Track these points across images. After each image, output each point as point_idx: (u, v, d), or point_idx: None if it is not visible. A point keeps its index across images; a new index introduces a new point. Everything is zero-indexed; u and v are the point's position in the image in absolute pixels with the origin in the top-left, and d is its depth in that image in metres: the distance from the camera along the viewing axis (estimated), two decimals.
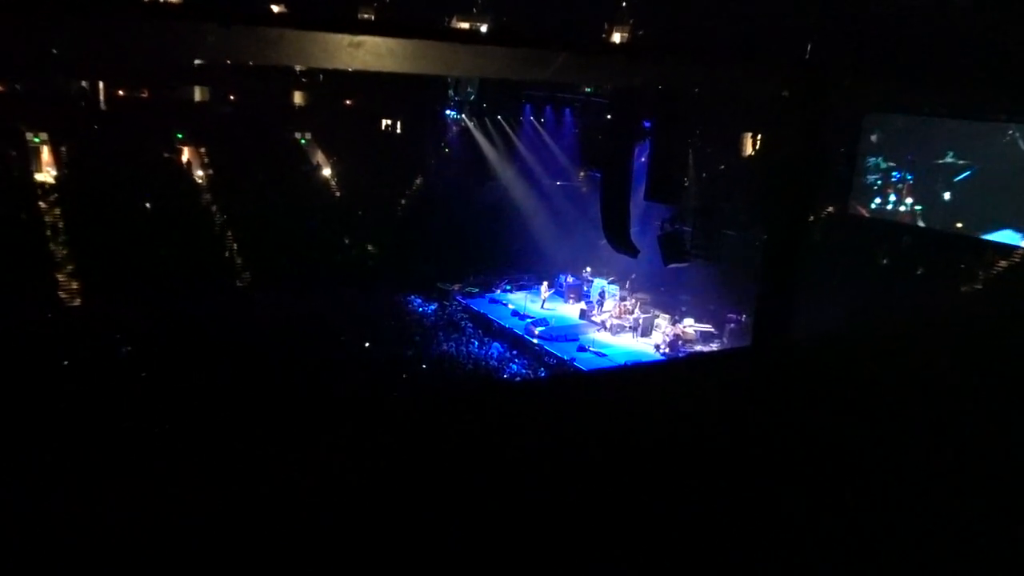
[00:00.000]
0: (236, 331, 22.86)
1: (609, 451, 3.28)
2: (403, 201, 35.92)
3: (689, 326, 26.56)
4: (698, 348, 25.60)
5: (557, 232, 33.28)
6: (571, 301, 31.15)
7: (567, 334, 26.93)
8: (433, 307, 29.63)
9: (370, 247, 33.35)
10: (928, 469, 3.39)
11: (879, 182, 23.41)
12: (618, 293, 30.31)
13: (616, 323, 27.81)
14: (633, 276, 29.78)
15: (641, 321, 27.34)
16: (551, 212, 33.99)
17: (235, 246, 30.26)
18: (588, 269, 33.13)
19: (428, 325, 27.40)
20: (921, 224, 22.80)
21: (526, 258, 33.62)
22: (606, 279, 30.94)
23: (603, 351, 25.48)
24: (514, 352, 25.54)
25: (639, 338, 27.10)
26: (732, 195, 24.84)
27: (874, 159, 22.87)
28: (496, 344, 26.13)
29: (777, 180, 13.42)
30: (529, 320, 27.92)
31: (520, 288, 33.64)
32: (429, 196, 35.15)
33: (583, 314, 29.07)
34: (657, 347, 25.93)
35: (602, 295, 29.78)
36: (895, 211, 23.37)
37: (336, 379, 19.63)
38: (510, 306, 30.68)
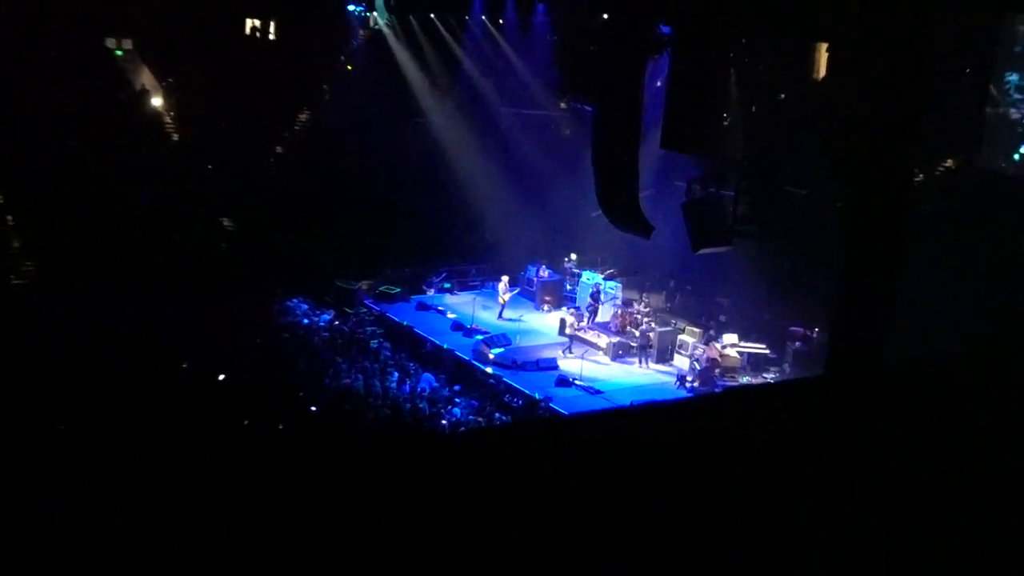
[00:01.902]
0: (4, 352, 22.45)
1: (603, 541, 3.24)
2: (279, 149, 35.63)
3: (731, 346, 26.73)
4: (745, 380, 25.79)
5: (523, 199, 33.29)
6: (546, 307, 31.14)
7: (540, 359, 26.96)
8: (328, 316, 29.43)
9: (227, 223, 33.00)
10: None
11: None
12: (620, 294, 30.36)
13: (617, 341, 27.88)
14: (682, 279, 29.92)
15: (656, 338, 27.48)
16: (514, 167, 34.00)
17: (8, 220, 29.75)
18: (572, 257, 33.10)
19: (319, 344, 27.20)
20: None
21: (475, 240, 33.58)
22: (600, 272, 31.00)
23: (596, 386, 25.59)
24: (456, 387, 25.46)
25: (652, 365, 27.29)
26: (798, 141, 24.99)
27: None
28: (427, 375, 26.02)
29: (868, 117, 13.50)
30: (480, 337, 27.89)
31: (466, 287, 33.52)
32: (321, 142, 34.92)
33: (565, 327, 29.13)
34: (681, 378, 26.06)
35: (596, 297, 29.84)
36: None
37: (170, 427, 19.37)
38: (450, 315, 30.62)
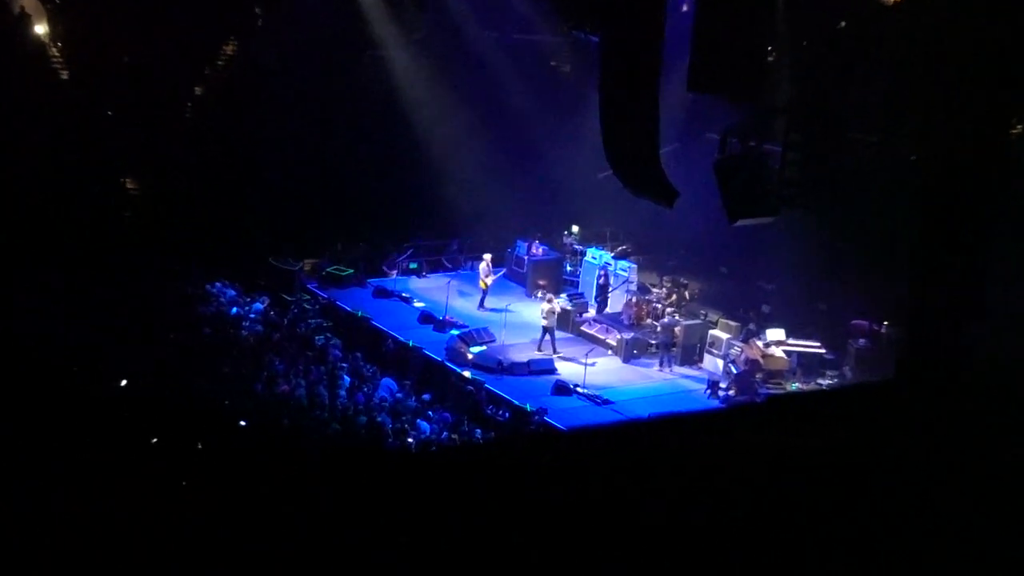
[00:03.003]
0: None
1: None
2: (198, 91, 35.49)
3: (777, 344, 26.78)
4: (795, 386, 25.90)
5: (511, 156, 33.23)
6: (539, 293, 31.11)
7: (532, 362, 27.09)
8: (260, 305, 29.39)
9: (131, 185, 32.84)
10: None
11: None
12: (635, 277, 30.34)
13: (631, 338, 27.92)
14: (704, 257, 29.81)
15: (681, 334, 27.57)
16: (499, 115, 33.91)
17: None
18: (574, 230, 33.07)
19: (250, 341, 27.17)
20: None
21: (449, 208, 33.49)
22: (610, 249, 30.98)
23: (604, 394, 25.66)
24: (425, 396, 25.48)
25: (674, 368, 27.43)
26: (862, 83, 25.00)
27: None
28: (388, 381, 26.04)
29: (951, 52, 13.52)
30: (456, 332, 27.93)
31: (437, 269, 33.64)
32: (252, 82, 34.81)
33: (564, 317, 29.14)
34: (713, 385, 26.15)
35: (605, 280, 29.85)
36: None
37: (58, 447, 19.34)
38: (417, 303, 30.65)
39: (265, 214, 31.59)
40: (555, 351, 27.74)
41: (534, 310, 30.24)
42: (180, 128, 34.02)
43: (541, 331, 28.14)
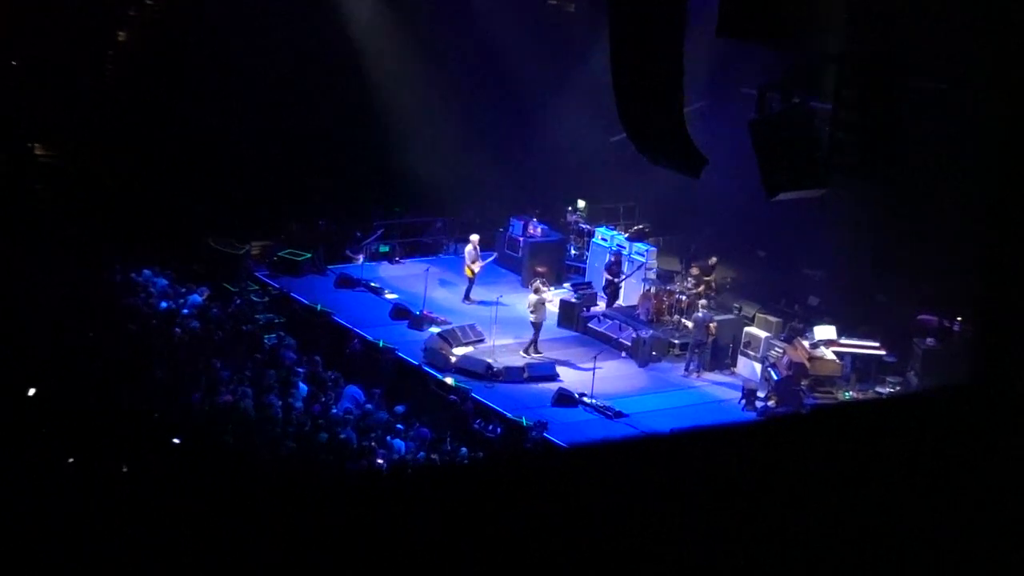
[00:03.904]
0: None
1: None
2: (122, 36, 35.48)
3: (826, 344, 26.82)
4: (849, 395, 25.96)
5: (503, 118, 33.25)
6: (538, 282, 31.18)
7: (530, 365, 27.20)
8: (198, 297, 29.39)
9: (40, 151, 32.79)
10: None
11: None
12: (654, 263, 30.37)
13: (649, 336, 27.97)
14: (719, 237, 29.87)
15: (712, 332, 27.60)
16: (489, 69, 33.92)
17: None
18: (580, 205, 33.10)
19: (186, 340, 27.18)
20: None
21: (427, 181, 33.49)
22: (623, 229, 31.01)
23: (616, 405, 25.77)
24: (399, 408, 25.50)
25: (701, 374, 27.54)
26: (931, 24, 25.04)
27: None
28: (354, 389, 26.06)
29: None
30: (436, 330, 27.99)
31: (414, 253, 33.62)
32: (187, 27, 34.83)
33: (568, 312, 29.19)
34: (749, 393, 26.19)
35: (617, 265, 29.91)
36: None
37: None
38: (388, 294, 30.73)
39: (204, 187, 31.53)
40: (530, 350, 27.75)
41: (525, 301, 30.27)
42: (100, 83, 34.00)
43: (533, 328, 28.10)
